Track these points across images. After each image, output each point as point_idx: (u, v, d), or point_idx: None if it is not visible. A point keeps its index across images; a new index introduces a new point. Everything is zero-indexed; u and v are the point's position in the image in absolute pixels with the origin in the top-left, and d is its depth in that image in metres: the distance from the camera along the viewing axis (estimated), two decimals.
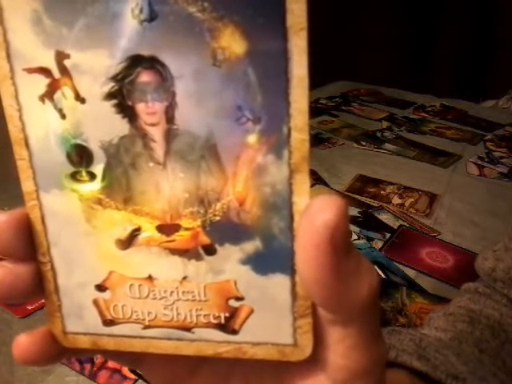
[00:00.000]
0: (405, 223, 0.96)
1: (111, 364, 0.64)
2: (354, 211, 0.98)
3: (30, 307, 0.72)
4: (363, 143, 1.33)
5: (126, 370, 0.63)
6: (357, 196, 1.06)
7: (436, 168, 1.20)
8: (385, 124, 1.46)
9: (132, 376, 0.62)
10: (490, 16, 1.92)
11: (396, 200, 1.05)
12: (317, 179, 1.10)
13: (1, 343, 0.66)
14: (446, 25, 1.99)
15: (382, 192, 1.08)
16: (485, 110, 1.62)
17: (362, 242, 0.89)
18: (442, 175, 1.16)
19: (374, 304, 0.20)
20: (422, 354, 0.40)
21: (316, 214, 0.18)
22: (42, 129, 0.21)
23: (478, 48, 1.97)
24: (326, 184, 1.09)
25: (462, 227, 0.95)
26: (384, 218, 0.98)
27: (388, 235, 0.92)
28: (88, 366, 0.63)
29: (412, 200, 1.05)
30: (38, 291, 0.23)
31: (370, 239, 0.90)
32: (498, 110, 1.67)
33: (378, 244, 0.89)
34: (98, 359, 0.64)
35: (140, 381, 0.62)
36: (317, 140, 1.32)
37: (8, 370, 0.62)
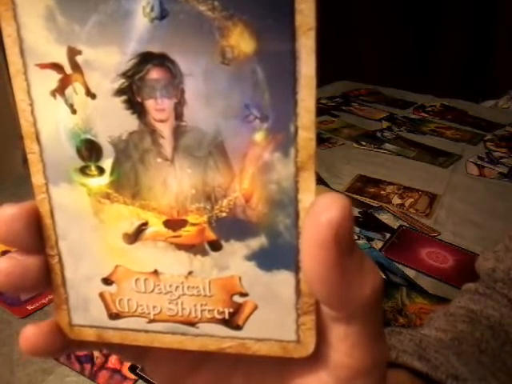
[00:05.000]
0: (405, 223, 0.96)
1: (111, 364, 0.63)
2: (354, 211, 0.98)
3: (30, 307, 0.71)
4: (363, 143, 1.32)
5: (126, 371, 0.63)
6: (357, 196, 1.06)
7: (436, 168, 1.20)
8: (385, 124, 1.46)
9: (132, 376, 0.62)
10: (490, 16, 1.92)
11: (396, 200, 1.05)
12: (317, 179, 1.09)
13: (1, 343, 0.66)
14: (446, 25, 1.99)
15: (382, 192, 1.08)
16: (485, 110, 1.62)
17: (361, 242, 0.89)
18: (441, 175, 1.16)
19: (377, 303, 0.20)
20: (423, 354, 0.40)
21: (321, 212, 0.19)
22: (53, 123, 0.21)
23: (478, 48, 1.97)
24: (326, 184, 1.09)
25: (462, 227, 0.95)
26: (384, 218, 0.98)
27: (388, 235, 0.92)
28: (88, 367, 0.63)
29: (412, 200, 1.05)
30: (45, 283, 0.23)
31: (369, 239, 0.90)
32: (498, 110, 1.67)
33: (378, 244, 0.89)
34: (98, 359, 0.64)
35: (140, 381, 0.62)
36: (317, 140, 1.32)
37: (8, 370, 0.62)
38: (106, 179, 0.21)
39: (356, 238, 0.91)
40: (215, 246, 0.21)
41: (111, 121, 0.21)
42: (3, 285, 0.22)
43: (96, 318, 0.23)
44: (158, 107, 0.20)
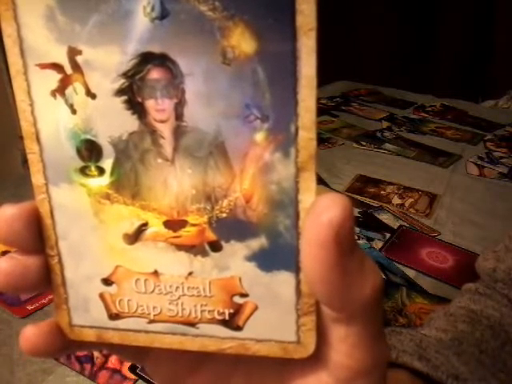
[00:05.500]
0: (405, 223, 0.96)
1: (111, 364, 0.63)
2: (354, 211, 0.98)
3: (29, 307, 0.71)
4: (363, 143, 1.32)
5: (125, 371, 0.63)
6: (357, 196, 1.05)
7: (436, 168, 1.20)
8: (385, 124, 1.46)
9: (132, 376, 0.62)
10: (490, 16, 1.92)
11: (396, 200, 1.04)
12: (317, 179, 1.10)
13: (1, 343, 0.66)
14: (446, 25, 1.99)
15: (382, 192, 1.08)
16: (485, 110, 1.62)
17: (361, 242, 0.89)
18: (441, 175, 1.16)
19: (377, 303, 0.20)
20: (423, 354, 0.40)
21: (322, 212, 0.19)
22: (53, 124, 0.21)
23: (478, 48, 1.97)
24: (325, 184, 1.09)
25: (462, 227, 0.95)
26: (384, 218, 0.98)
27: (388, 235, 0.92)
28: (88, 367, 0.63)
29: (412, 200, 1.04)
30: (45, 283, 0.23)
31: (369, 239, 0.90)
32: (498, 110, 1.67)
33: (378, 244, 0.89)
34: (98, 359, 0.64)
35: (140, 381, 0.62)
36: (317, 140, 1.32)
37: (8, 370, 0.62)
38: (106, 179, 0.21)
39: (356, 238, 0.90)
40: (215, 247, 0.21)
41: (111, 121, 0.21)
42: (3, 285, 0.22)
43: (96, 318, 0.23)
44: (159, 107, 0.20)
